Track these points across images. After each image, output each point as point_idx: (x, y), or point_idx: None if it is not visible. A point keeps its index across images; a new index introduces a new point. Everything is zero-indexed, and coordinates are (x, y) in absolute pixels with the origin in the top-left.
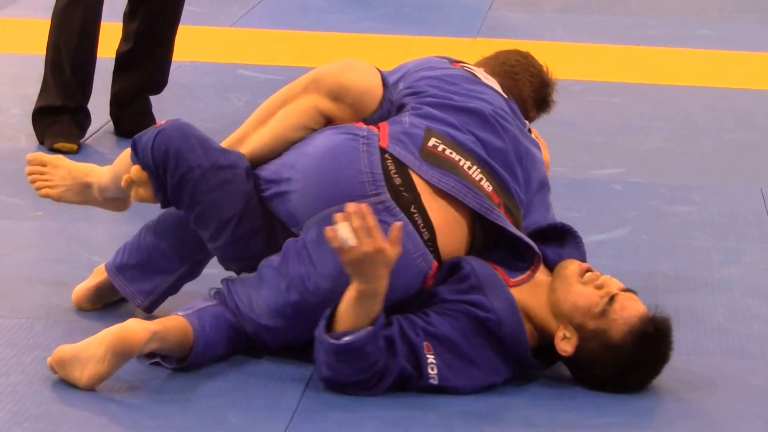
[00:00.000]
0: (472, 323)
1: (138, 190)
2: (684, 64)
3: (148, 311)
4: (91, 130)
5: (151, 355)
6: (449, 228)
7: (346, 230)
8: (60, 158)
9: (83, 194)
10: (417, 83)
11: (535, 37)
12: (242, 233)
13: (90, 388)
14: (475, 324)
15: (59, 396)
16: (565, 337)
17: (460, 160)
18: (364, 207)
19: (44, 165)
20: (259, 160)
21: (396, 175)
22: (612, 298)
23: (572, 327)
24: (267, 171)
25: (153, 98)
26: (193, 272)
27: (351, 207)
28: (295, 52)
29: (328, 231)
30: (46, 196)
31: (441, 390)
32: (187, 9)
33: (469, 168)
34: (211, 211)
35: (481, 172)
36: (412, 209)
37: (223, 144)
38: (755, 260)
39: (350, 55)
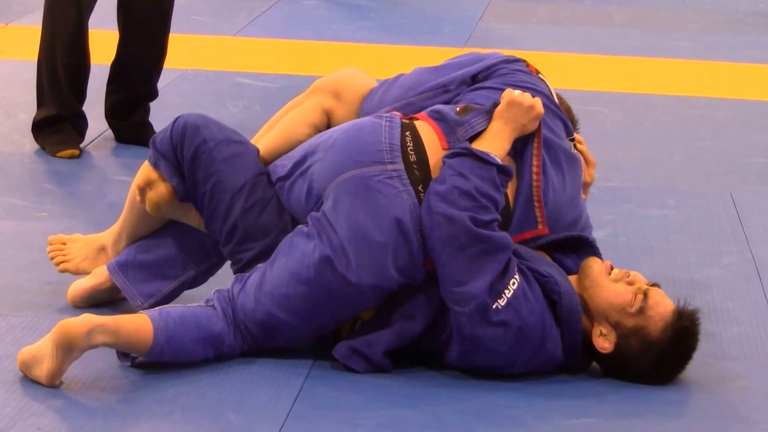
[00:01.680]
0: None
1: (150, 193)
2: (660, 73)
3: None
4: (91, 135)
5: (125, 355)
6: None
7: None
8: (76, 236)
9: (97, 259)
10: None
11: (520, 47)
12: (255, 200)
13: (51, 386)
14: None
15: (62, 392)
16: (602, 334)
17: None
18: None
19: (63, 243)
20: (271, 158)
21: (412, 152)
22: (646, 295)
23: (609, 325)
24: (294, 156)
25: (157, 103)
26: (196, 281)
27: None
28: (293, 61)
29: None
30: (65, 270)
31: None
32: (196, 19)
33: None
34: (224, 180)
35: None
36: (420, 188)
37: None
38: (731, 262)
39: (347, 63)
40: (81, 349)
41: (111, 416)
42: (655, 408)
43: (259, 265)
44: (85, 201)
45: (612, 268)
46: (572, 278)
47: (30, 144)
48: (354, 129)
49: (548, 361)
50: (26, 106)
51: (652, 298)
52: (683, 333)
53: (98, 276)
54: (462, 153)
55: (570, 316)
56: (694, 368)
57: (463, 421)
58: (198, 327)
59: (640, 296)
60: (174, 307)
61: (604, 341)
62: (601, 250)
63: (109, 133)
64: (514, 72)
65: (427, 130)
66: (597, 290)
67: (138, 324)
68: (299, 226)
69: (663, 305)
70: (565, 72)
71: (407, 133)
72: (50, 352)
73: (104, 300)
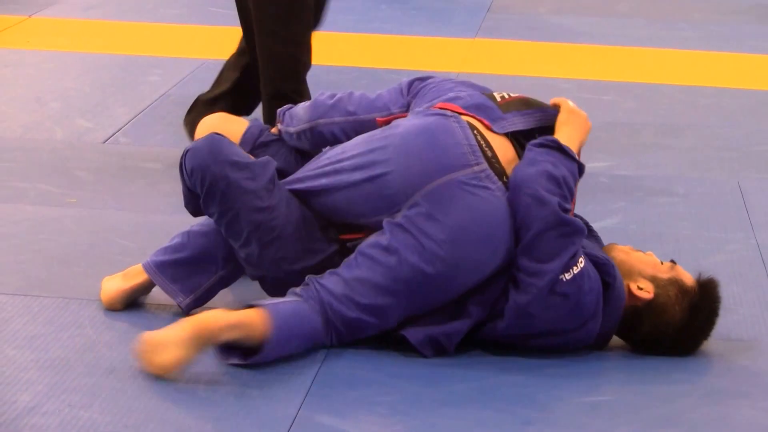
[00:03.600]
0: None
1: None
2: (668, 63)
3: (188, 309)
4: (120, 122)
5: (224, 351)
6: None
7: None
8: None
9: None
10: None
11: (530, 38)
12: (272, 237)
13: (173, 372)
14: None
15: (91, 370)
16: (640, 289)
17: (521, 96)
18: None
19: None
20: None
21: (487, 148)
22: (672, 262)
23: (645, 279)
24: (352, 160)
25: (182, 93)
26: (234, 275)
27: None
28: None
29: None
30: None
31: (569, 287)
32: (215, 11)
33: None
34: (240, 216)
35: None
36: (505, 179)
37: None
38: (737, 249)
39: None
40: (214, 343)
41: (137, 393)
42: (662, 387)
43: (337, 270)
44: (114, 187)
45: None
46: None
47: (61, 132)
48: (427, 132)
49: (584, 339)
50: (57, 95)
51: (677, 269)
52: (712, 287)
53: (135, 277)
54: (550, 145)
55: (617, 301)
56: (702, 348)
57: (479, 399)
58: (305, 321)
59: (667, 263)
60: (283, 302)
61: (644, 292)
62: (612, 237)
63: (137, 120)
64: (431, 82)
65: (474, 120)
66: (628, 257)
67: (254, 318)
68: (375, 238)
69: (688, 276)
70: (573, 62)
71: (475, 131)
72: (184, 341)
73: (137, 299)
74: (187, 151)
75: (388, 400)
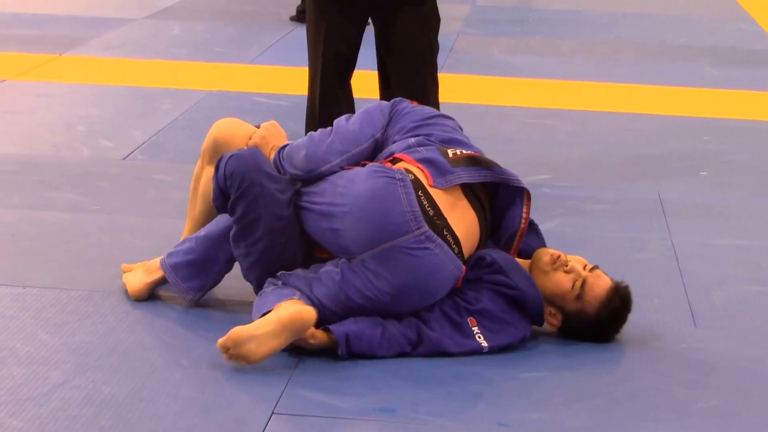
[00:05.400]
0: (501, 297)
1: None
2: (601, 94)
3: (193, 301)
4: (138, 142)
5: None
6: (469, 236)
7: None
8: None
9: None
10: (425, 126)
11: (485, 73)
12: (284, 240)
13: (263, 359)
14: (504, 297)
15: (112, 352)
16: (551, 314)
17: (472, 154)
18: None
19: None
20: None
21: (429, 208)
22: (583, 283)
23: (555, 307)
24: (319, 206)
25: (189, 118)
26: (229, 269)
27: None
28: (299, 83)
29: None
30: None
31: (492, 351)
32: (215, 51)
33: (482, 156)
34: (261, 221)
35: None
36: (444, 232)
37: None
38: (655, 248)
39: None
40: (301, 336)
41: (150, 372)
42: (592, 363)
43: (307, 276)
44: (132, 197)
45: (558, 257)
46: (526, 262)
47: (87, 150)
48: (375, 200)
49: (522, 339)
50: (83, 120)
51: (587, 284)
52: (614, 310)
53: (154, 272)
54: None
55: (536, 313)
56: (624, 331)
57: (436, 375)
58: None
59: (578, 284)
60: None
61: (553, 319)
62: (552, 238)
63: (151, 140)
64: (412, 108)
65: (419, 174)
66: (543, 281)
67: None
68: (332, 267)
69: (598, 289)
70: (521, 93)
71: (419, 192)
72: (277, 332)
73: (157, 289)
74: (231, 157)
75: (364, 375)
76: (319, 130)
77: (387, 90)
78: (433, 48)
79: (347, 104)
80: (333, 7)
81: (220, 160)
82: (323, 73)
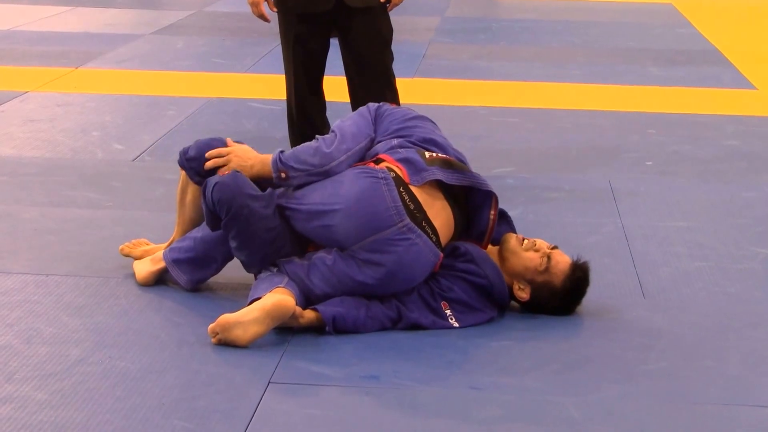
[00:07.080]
0: (470, 286)
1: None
2: (558, 94)
3: (191, 290)
4: (145, 144)
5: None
6: (445, 227)
7: None
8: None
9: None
10: (405, 128)
11: (454, 77)
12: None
13: (249, 344)
14: (473, 286)
15: (126, 331)
16: (520, 288)
17: (447, 157)
18: None
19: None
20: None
21: (410, 202)
22: (549, 258)
23: (525, 281)
24: (311, 205)
25: (192, 122)
26: (225, 265)
27: None
28: None
29: None
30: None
31: (463, 327)
32: (213, 61)
33: (456, 162)
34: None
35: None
36: (423, 224)
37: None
38: (608, 231)
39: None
40: (283, 322)
41: (161, 348)
42: (554, 333)
43: (302, 264)
44: (141, 194)
45: (523, 240)
46: (493, 249)
47: (101, 153)
48: (362, 200)
49: (490, 319)
50: (97, 126)
51: (553, 259)
52: (577, 281)
53: (159, 262)
54: None
55: (502, 298)
56: (582, 305)
57: (416, 346)
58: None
59: (545, 259)
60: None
61: (522, 293)
62: (515, 224)
63: (158, 143)
64: (392, 111)
65: (399, 172)
66: (515, 259)
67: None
68: (325, 254)
69: (562, 263)
70: (487, 94)
71: (401, 189)
72: (261, 319)
73: (162, 277)
74: (215, 185)
75: (351, 347)
76: (324, 136)
77: (354, 96)
78: (386, 58)
79: (319, 110)
80: (299, 23)
81: (205, 187)
82: (296, 83)
